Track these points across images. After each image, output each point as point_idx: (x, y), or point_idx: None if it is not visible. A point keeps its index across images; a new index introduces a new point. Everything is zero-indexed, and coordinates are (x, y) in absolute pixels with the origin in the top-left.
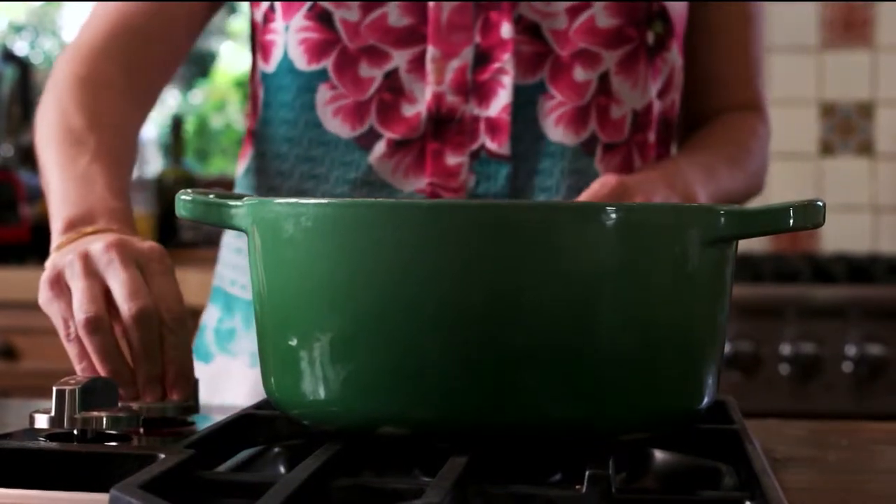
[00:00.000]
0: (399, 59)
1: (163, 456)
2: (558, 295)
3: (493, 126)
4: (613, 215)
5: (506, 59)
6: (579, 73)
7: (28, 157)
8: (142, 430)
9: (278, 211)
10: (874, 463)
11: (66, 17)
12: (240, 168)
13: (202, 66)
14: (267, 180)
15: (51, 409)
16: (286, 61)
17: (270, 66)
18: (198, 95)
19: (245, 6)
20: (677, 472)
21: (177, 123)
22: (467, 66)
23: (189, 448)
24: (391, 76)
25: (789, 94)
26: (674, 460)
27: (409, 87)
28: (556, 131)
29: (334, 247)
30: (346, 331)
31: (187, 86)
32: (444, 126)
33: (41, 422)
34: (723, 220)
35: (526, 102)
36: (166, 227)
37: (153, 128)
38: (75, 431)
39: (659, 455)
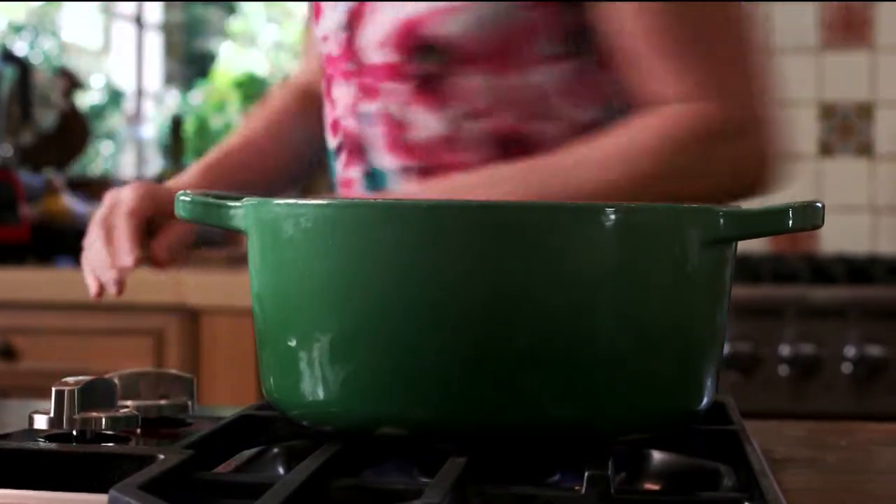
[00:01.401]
0: None
1: (162, 457)
2: (558, 295)
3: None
4: (613, 216)
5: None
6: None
7: (28, 156)
8: (139, 430)
9: (277, 212)
10: (873, 463)
11: (66, 18)
12: None
13: (202, 66)
14: None
15: (50, 409)
16: None
17: None
18: (197, 96)
19: (244, 7)
20: (676, 473)
21: (176, 124)
22: None
23: (188, 449)
24: None
25: (789, 94)
26: (673, 461)
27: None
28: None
29: (334, 247)
30: (345, 331)
31: (187, 86)
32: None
33: (40, 422)
34: (722, 221)
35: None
36: None
37: (153, 128)
38: (74, 432)
39: (658, 456)
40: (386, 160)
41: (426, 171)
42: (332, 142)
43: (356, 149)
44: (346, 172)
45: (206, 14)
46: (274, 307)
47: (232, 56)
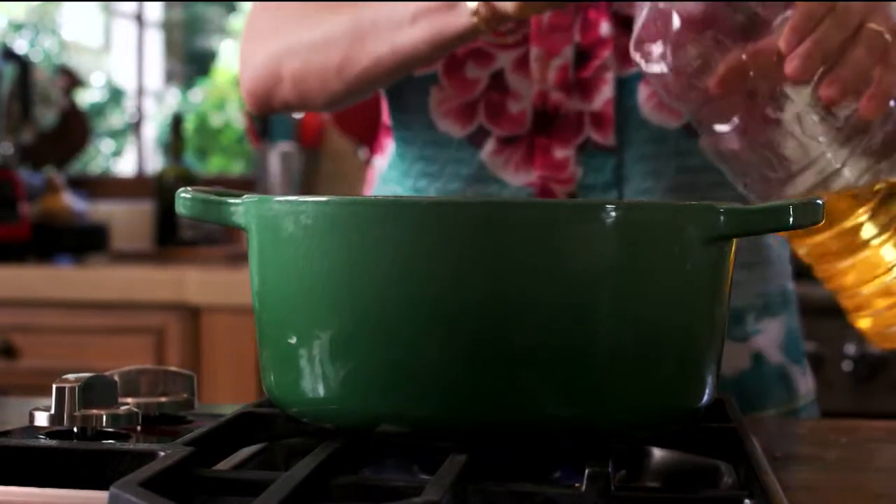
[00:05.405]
0: (503, 59)
1: (162, 453)
2: (558, 293)
3: (597, 120)
4: (612, 214)
5: (607, 56)
6: None
7: (28, 154)
8: (139, 427)
9: (278, 209)
10: (873, 461)
11: (66, 16)
12: (380, 163)
13: (202, 64)
14: (391, 177)
15: (51, 406)
16: None
17: None
18: (198, 94)
19: (244, 5)
20: (676, 471)
21: (177, 121)
22: (569, 65)
23: (189, 446)
24: (497, 76)
25: None
26: (673, 458)
27: (514, 86)
28: (657, 116)
29: (334, 245)
30: (345, 329)
31: (187, 84)
32: (550, 121)
33: (41, 419)
34: (722, 218)
35: (626, 93)
36: (166, 225)
37: (153, 126)
38: (75, 429)
39: (658, 453)
40: None
41: None
42: None
43: (567, 124)
44: (545, 155)
45: (207, 12)
46: (274, 304)
47: (232, 54)
